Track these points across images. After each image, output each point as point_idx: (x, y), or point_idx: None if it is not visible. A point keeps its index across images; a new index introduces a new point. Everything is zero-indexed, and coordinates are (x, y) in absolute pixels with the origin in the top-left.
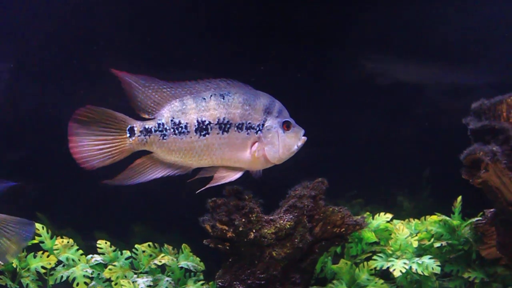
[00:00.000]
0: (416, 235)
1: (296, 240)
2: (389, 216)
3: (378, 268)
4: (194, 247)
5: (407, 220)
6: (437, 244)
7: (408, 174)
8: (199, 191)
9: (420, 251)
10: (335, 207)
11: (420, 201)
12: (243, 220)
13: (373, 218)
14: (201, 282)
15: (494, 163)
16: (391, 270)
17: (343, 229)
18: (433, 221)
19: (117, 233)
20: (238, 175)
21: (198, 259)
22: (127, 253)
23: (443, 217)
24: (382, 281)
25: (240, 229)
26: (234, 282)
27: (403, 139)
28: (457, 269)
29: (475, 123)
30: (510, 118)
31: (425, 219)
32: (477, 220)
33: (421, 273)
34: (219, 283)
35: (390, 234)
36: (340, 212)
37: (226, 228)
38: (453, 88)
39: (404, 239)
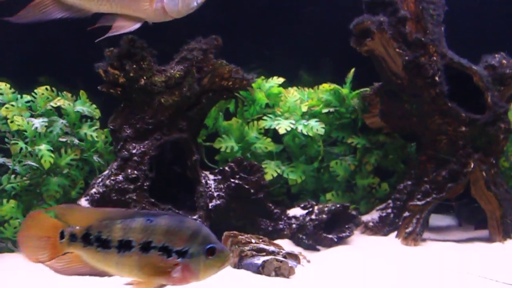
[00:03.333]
0: (308, 102)
1: (184, 89)
2: (281, 80)
3: (266, 127)
4: (95, 98)
5: (301, 87)
6: (325, 110)
7: (309, 49)
8: (98, 40)
9: (310, 117)
10: (224, 61)
11: (319, 75)
12: (134, 66)
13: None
14: (96, 127)
15: (380, 32)
16: (277, 128)
17: (231, 82)
18: (324, 90)
19: (21, 82)
20: (136, 25)
21: (94, 106)
22: (27, 97)
23: (334, 86)
24: (269, 139)
25: (131, 74)
26: (124, 126)
27: (307, 16)
28: (342, 136)
29: None
30: None
31: (318, 88)
32: (365, 91)
33: (306, 134)
34: (111, 127)
35: (282, 98)
36: (228, 66)
37: (118, 73)
38: None
39: (293, 102)
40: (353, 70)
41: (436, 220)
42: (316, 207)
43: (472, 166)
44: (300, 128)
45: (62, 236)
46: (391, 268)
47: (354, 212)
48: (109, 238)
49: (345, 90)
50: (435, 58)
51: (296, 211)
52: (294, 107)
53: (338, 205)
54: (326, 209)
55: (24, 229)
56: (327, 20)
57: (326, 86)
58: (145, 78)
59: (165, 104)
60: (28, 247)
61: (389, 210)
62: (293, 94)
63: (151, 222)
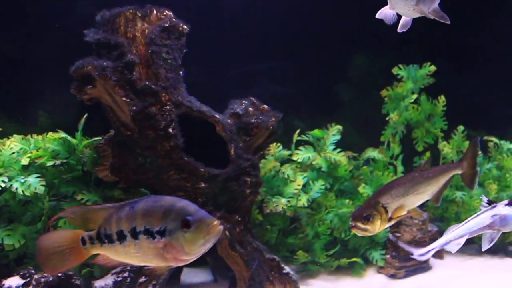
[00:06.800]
0: (31, 153)
1: None
2: None
3: None
4: None
5: (25, 136)
6: (51, 163)
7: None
8: None
9: (35, 170)
10: None
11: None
12: None
13: None
14: None
15: (103, 79)
16: None
17: None
18: (52, 139)
19: None
20: None
21: None
22: None
23: (64, 135)
24: None
25: None
26: None
27: None
28: (73, 191)
29: (92, 36)
30: (128, 33)
31: (46, 136)
32: (98, 141)
33: (22, 193)
34: None
35: None
36: None
37: None
38: None
39: (10, 155)
40: (85, 115)
41: (191, 275)
42: (35, 277)
43: None
44: (16, 186)
45: (83, 242)
46: None
47: (78, 282)
48: (110, 233)
49: (75, 140)
50: (168, 108)
51: (14, 281)
52: (10, 161)
53: (60, 275)
54: (43, 280)
55: (43, 249)
56: None
57: (55, 135)
58: None
59: None
60: (52, 263)
61: (126, 274)
62: (10, 146)
63: (133, 208)
